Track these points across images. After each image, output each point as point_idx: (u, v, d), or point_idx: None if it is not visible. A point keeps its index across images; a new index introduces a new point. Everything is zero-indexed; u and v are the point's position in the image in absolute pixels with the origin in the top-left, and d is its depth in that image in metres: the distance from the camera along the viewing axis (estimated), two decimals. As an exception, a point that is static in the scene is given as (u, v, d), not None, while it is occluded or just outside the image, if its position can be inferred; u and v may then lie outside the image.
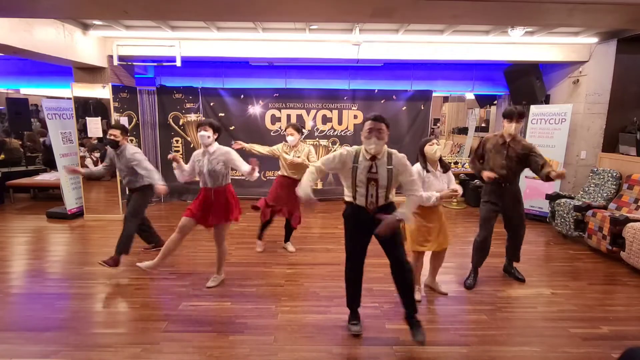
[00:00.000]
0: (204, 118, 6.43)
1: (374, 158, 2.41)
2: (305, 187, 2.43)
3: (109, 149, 3.83)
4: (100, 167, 4.03)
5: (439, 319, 2.94)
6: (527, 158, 3.30)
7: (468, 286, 3.48)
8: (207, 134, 3.21)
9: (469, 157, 7.25)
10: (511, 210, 3.44)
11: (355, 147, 2.51)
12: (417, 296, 3.18)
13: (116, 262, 3.63)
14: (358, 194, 2.46)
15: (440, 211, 3.12)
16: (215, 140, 3.27)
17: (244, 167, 3.20)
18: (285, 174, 4.01)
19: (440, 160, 3.02)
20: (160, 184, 3.54)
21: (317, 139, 6.61)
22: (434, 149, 2.92)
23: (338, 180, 6.80)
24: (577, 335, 2.73)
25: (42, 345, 2.54)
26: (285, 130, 4.05)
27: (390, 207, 2.51)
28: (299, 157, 3.89)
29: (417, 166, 2.97)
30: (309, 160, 3.91)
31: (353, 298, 2.75)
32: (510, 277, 3.67)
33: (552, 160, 5.59)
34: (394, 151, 2.48)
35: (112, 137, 3.66)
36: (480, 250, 3.47)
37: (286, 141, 3.97)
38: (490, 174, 3.30)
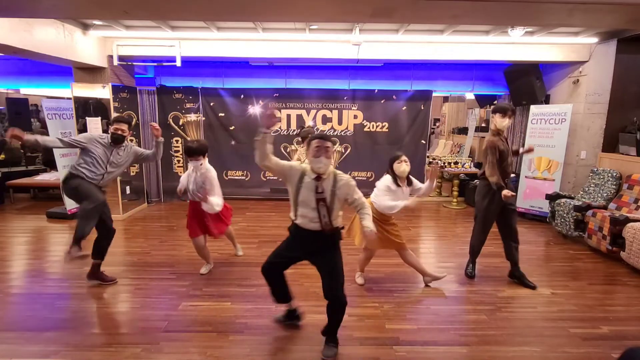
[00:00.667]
0: (204, 118, 6.44)
1: (319, 178, 2.34)
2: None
3: (93, 136, 3.34)
4: (55, 139, 3.38)
5: (439, 319, 2.94)
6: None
7: (469, 275, 3.57)
8: (199, 162, 3.36)
9: (469, 157, 7.26)
10: (509, 206, 3.45)
11: (303, 165, 2.43)
12: (360, 280, 3.51)
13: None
14: (299, 215, 2.38)
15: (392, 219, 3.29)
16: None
17: (211, 196, 3.37)
18: None
19: (408, 176, 3.17)
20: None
21: (317, 139, 6.60)
22: (401, 167, 3.08)
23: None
24: (577, 335, 2.73)
25: (42, 345, 2.54)
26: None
27: (337, 232, 2.45)
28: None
29: (388, 178, 3.12)
30: None
31: (276, 294, 2.67)
32: (500, 275, 3.67)
33: (552, 161, 5.59)
34: (339, 172, 2.41)
35: (119, 132, 3.27)
36: (480, 245, 3.60)
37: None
38: (509, 193, 3.25)
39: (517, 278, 3.55)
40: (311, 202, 2.33)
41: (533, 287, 3.45)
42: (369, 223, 2.37)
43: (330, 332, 2.52)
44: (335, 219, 2.40)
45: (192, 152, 3.30)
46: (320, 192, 2.33)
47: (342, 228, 2.55)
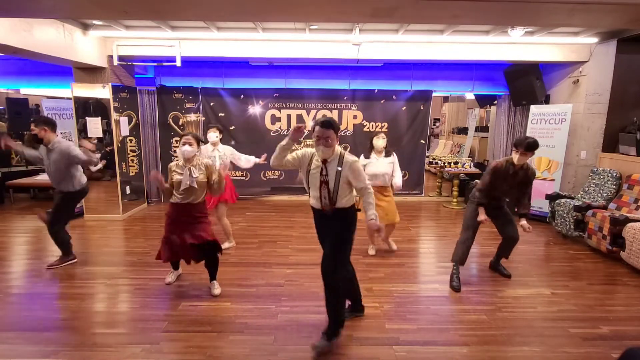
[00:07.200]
0: (203, 118, 6.45)
1: (324, 161, 2.47)
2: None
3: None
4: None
5: (439, 319, 2.94)
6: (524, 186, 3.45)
7: (455, 288, 3.39)
8: (215, 134, 4.06)
9: (469, 157, 7.26)
10: (504, 220, 3.62)
11: (312, 149, 2.55)
12: (394, 246, 4.32)
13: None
14: (312, 197, 2.55)
15: (390, 192, 3.98)
16: (220, 139, 4.11)
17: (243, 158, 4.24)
18: (175, 200, 3.32)
19: (385, 149, 3.89)
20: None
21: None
22: (379, 141, 3.82)
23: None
24: (577, 335, 2.73)
25: (42, 345, 2.54)
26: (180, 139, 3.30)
27: (349, 212, 2.52)
28: (196, 176, 3.23)
29: (361, 157, 3.69)
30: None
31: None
32: (496, 274, 3.77)
33: (552, 161, 5.60)
34: (346, 154, 2.49)
35: (34, 132, 3.56)
36: (468, 247, 3.53)
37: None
38: (482, 217, 3.40)
39: (495, 269, 3.82)
40: (317, 183, 2.47)
41: (508, 276, 3.66)
42: (370, 213, 2.47)
43: (329, 324, 2.57)
44: (339, 199, 2.47)
45: (210, 125, 4.24)
46: (324, 174, 2.45)
47: (359, 210, 2.60)
